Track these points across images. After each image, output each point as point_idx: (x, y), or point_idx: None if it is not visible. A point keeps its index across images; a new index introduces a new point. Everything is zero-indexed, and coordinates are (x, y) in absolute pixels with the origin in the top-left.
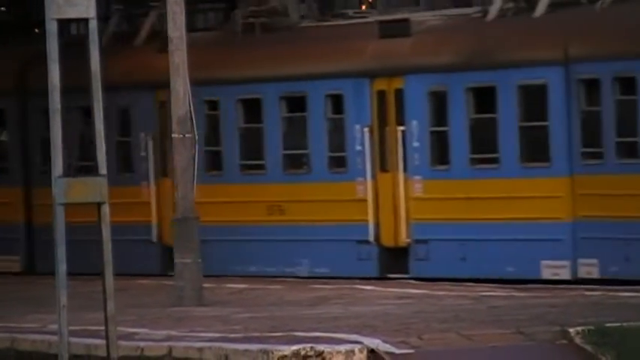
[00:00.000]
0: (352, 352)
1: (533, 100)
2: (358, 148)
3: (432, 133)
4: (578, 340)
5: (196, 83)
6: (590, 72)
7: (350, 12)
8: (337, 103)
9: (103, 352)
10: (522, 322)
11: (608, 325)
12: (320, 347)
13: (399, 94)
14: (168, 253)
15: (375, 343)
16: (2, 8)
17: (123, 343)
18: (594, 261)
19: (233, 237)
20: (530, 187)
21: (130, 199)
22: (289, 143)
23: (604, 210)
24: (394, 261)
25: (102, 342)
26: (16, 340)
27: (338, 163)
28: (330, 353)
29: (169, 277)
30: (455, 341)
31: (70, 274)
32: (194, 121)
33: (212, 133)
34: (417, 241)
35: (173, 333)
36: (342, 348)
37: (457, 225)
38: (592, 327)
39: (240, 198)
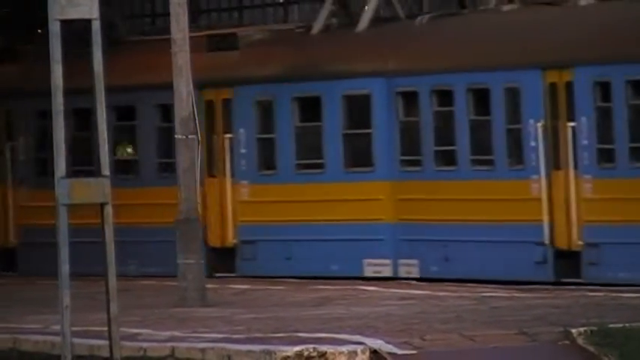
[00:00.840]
0: (355, 352)
1: (357, 109)
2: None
3: (259, 140)
4: (580, 340)
5: (29, 93)
6: (409, 85)
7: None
8: (166, 112)
9: (106, 353)
10: (525, 323)
11: (610, 325)
12: (323, 348)
13: (227, 103)
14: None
15: (377, 343)
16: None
17: (126, 343)
18: (414, 261)
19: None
20: (354, 190)
21: None
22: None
23: (423, 214)
24: (221, 261)
25: (105, 342)
26: (18, 340)
27: (166, 169)
28: (333, 354)
29: None
30: (457, 342)
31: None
32: (197, 122)
33: (44, 140)
34: (244, 242)
35: (176, 334)
36: (345, 349)
37: (283, 226)
38: (595, 328)
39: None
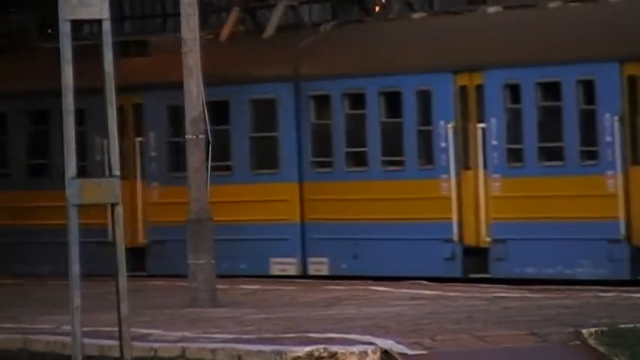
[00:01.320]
0: (365, 353)
1: (264, 113)
2: (98, 158)
3: (169, 143)
4: (591, 341)
5: None
6: (321, 89)
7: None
8: (79, 117)
9: (116, 353)
10: (535, 324)
11: (621, 326)
12: (333, 348)
13: (138, 108)
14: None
15: (388, 344)
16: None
17: (136, 344)
18: (324, 259)
19: None
20: (261, 192)
21: None
22: (35, 154)
23: (334, 213)
24: (131, 260)
25: (115, 343)
26: (29, 340)
27: (80, 173)
28: (344, 354)
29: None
30: (468, 342)
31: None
32: (207, 122)
33: None
34: (155, 242)
35: (187, 334)
36: (356, 349)
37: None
38: (605, 328)
39: None
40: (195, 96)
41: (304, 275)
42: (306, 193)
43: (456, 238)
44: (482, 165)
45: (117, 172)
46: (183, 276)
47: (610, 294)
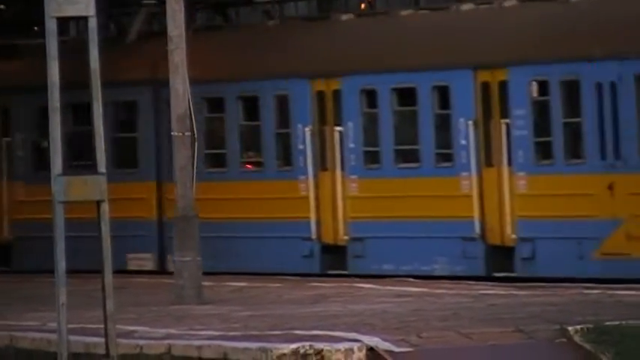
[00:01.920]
0: (351, 350)
1: (125, 115)
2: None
3: (34, 143)
4: (577, 338)
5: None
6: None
7: None
8: None
9: (102, 350)
10: (521, 321)
11: (607, 323)
12: (319, 345)
13: (7, 110)
14: None
15: (374, 341)
16: (2, 6)
17: (122, 341)
18: None
19: None
20: (121, 190)
21: None
22: None
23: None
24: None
25: (101, 340)
26: (15, 338)
27: None
28: (329, 351)
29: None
30: (454, 339)
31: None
32: (193, 120)
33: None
34: (20, 238)
35: (172, 331)
36: (341, 346)
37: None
38: (591, 325)
39: None
40: (181, 93)
41: (163, 271)
42: (165, 192)
43: (314, 236)
44: (339, 166)
45: (103, 169)
46: (49, 272)
47: (595, 291)
